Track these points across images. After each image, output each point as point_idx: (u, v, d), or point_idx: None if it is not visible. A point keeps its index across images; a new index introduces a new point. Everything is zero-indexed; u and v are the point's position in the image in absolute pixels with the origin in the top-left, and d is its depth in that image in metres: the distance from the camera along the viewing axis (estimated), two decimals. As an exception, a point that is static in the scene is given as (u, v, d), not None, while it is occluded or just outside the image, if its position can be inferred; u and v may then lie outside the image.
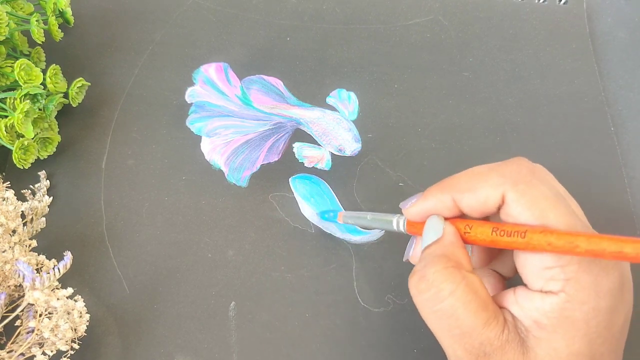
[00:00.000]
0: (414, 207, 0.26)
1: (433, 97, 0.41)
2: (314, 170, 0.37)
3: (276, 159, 0.35)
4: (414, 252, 0.27)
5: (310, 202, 0.36)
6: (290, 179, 0.37)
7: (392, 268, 0.34)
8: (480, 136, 0.39)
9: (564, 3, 0.46)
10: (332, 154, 0.35)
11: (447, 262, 0.23)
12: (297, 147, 0.35)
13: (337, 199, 0.36)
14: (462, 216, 0.25)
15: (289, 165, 0.37)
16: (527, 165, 0.24)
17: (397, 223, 0.28)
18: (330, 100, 0.36)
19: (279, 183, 0.37)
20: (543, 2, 0.46)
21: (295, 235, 0.35)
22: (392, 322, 0.33)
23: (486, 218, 0.25)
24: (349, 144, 0.35)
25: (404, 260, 0.28)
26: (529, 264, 0.22)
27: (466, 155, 0.38)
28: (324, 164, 0.35)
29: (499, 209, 0.23)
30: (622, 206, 0.37)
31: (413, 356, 0.32)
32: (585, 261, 0.21)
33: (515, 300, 0.23)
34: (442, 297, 0.22)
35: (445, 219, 0.25)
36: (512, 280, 0.27)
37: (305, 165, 0.35)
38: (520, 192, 0.22)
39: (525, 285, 0.23)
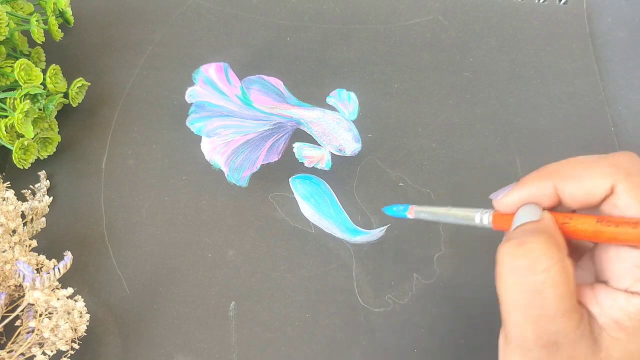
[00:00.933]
0: (509, 197, 0.24)
1: (433, 97, 0.41)
2: (314, 170, 0.37)
3: (276, 159, 0.35)
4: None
5: (310, 202, 0.36)
6: (290, 179, 0.37)
7: (392, 268, 0.35)
8: (480, 136, 0.39)
9: (564, 3, 0.46)
10: (332, 154, 0.35)
11: (549, 238, 0.21)
12: (297, 147, 0.35)
13: (337, 199, 0.36)
14: (557, 208, 0.24)
15: (289, 165, 0.37)
16: (639, 159, 0.22)
17: (482, 218, 0.25)
18: (330, 100, 0.36)
19: (279, 183, 0.37)
20: (543, 2, 0.46)
21: (295, 235, 0.35)
22: (392, 322, 0.33)
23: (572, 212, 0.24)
24: (349, 144, 0.35)
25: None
26: (620, 260, 0.21)
27: (466, 155, 0.38)
28: (324, 164, 0.35)
29: (602, 200, 0.22)
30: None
31: (413, 356, 0.32)
32: None
33: (595, 297, 0.22)
34: (537, 270, 0.21)
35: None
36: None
37: (305, 165, 0.35)
38: (634, 184, 0.21)
39: (605, 282, 0.22)
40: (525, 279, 0.21)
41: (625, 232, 0.21)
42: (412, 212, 0.30)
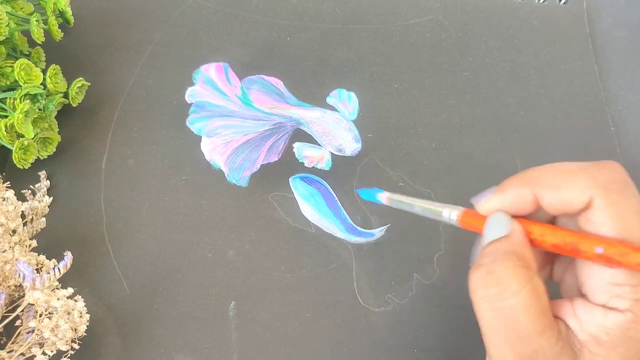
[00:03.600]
0: (489, 203, 0.24)
1: (433, 97, 0.41)
2: (314, 170, 0.37)
3: (276, 159, 0.35)
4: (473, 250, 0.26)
5: (310, 202, 0.36)
6: (290, 179, 0.37)
7: (392, 268, 0.34)
8: (480, 136, 0.39)
9: (564, 3, 0.46)
10: (332, 154, 0.35)
11: (517, 260, 0.22)
12: (297, 147, 0.35)
13: (337, 199, 0.36)
14: (530, 215, 0.24)
15: (289, 165, 0.37)
16: (621, 172, 0.22)
17: (449, 215, 0.26)
18: (330, 100, 0.36)
19: (279, 183, 0.37)
20: (543, 2, 0.46)
21: (295, 235, 0.35)
22: (392, 322, 0.33)
23: (552, 217, 0.24)
24: (349, 144, 0.35)
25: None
26: (595, 277, 0.22)
27: (466, 155, 0.38)
28: (324, 164, 0.35)
29: (580, 211, 0.22)
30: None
31: (413, 356, 0.32)
32: None
33: (573, 312, 0.22)
34: (507, 295, 0.21)
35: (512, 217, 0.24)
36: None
37: (305, 165, 0.35)
38: (611, 201, 0.21)
39: (583, 296, 0.22)
40: (498, 305, 0.22)
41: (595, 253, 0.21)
42: (385, 198, 0.30)
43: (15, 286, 0.31)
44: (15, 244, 0.32)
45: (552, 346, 0.21)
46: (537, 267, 0.26)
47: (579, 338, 0.22)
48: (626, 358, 0.21)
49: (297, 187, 0.36)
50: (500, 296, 0.21)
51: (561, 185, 0.22)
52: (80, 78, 0.39)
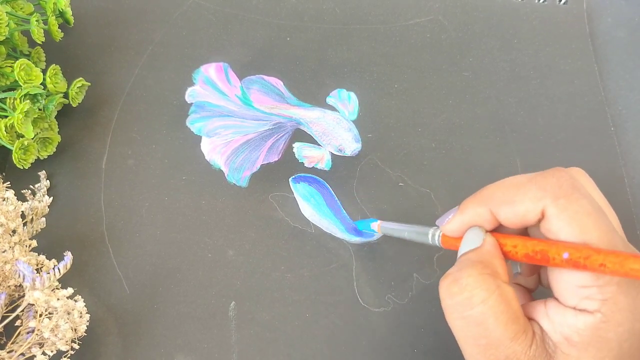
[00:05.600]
0: (451, 223, 0.25)
1: (433, 97, 0.41)
2: (314, 170, 0.37)
3: (276, 159, 0.35)
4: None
5: (310, 202, 0.36)
6: (290, 179, 0.37)
7: (392, 268, 0.34)
8: (480, 136, 0.39)
9: (564, 3, 0.46)
10: (332, 154, 0.35)
11: (483, 269, 0.22)
12: (297, 147, 0.35)
13: (337, 199, 0.36)
14: (500, 228, 0.24)
15: (289, 165, 0.37)
16: (567, 177, 0.23)
17: (433, 236, 0.27)
18: (330, 100, 0.36)
19: (279, 183, 0.37)
20: (543, 2, 0.46)
21: (295, 235, 0.35)
22: (392, 322, 0.33)
23: (525, 229, 0.25)
24: (349, 144, 0.35)
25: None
26: (563, 281, 0.22)
27: (466, 155, 0.38)
28: (324, 164, 0.35)
29: (537, 222, 0.23)
30: (622, 206, 0.37)
31: (413, 356, 0.32)
32: (624, 283, 0.21)
33: (546, 314, 0.22)
34: (474, 303, 0.22)
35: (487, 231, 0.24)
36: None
37: (305, 165, 0.35)
38: (561, 207, 0.21)
39: (556, 299, 0.23)
40: (466, 313, 0.22)
41: (559, 259, 0.21)
42: (377, 227, 0.32)
43: (15, 286, 0.31)
44: (15, 244, 0.32)
45: (526, 350, 0.22)
46: (527, 273, 0.27)
47: (552, 339, 0.22)
48: (598, 357, 0.21)
49: (297, 187, 0.36)
50: (468, 304, 0.22)
51: (514, 200, 0.23)
52: (80, 78, 0.39)
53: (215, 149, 0.35)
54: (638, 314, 0.21)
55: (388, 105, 0.40)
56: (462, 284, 0.22)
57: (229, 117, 0.36)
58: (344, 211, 0.36)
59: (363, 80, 0.41)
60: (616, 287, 0.21)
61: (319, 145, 0.36)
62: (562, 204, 0.22)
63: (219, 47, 0.42)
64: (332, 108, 0.36)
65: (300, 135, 0.36)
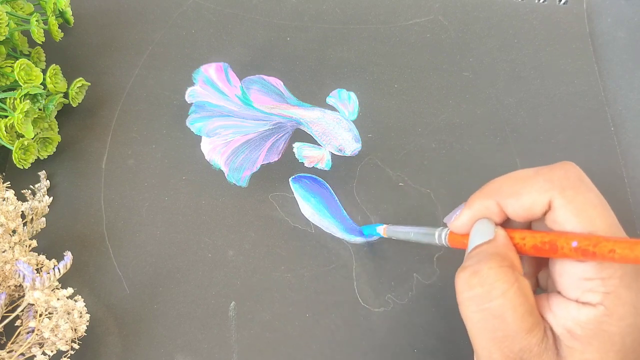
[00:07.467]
0: (460, 219, 0.25)
1: (433, 97, 0.41)
2: (314, 170, 0.37)
3: (276, 159, 0.35)
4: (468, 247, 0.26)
5: (310, 202, 0.36)
6: (290, 179, 0.37)
7: (392, 268, 0.34)
8: (480, 136, 0.39)
9: (564, 3, 0.46)
10: (332, 154, 0.35)
11: (502, 261, 0.22)
12: (297, 147, 0.35)
13: (337, 199, 0.36)
14: (507, 222, 0.24)
15: (289, 165, 0.37)
16: (574, 170, 0.23)
17: (439, 236, 0.27)
18: (330, 100, 0.36)
19: (279, 183, 0.37)
20: (543, 2, 0.46)
21: (295, 235, 0.35)
22: (392, 322, 0.33)
23: (529, 224, 0.25)
24: (349, 144, 0.35)
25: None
26: (567, 273, 0.22)
27: (466, 155, 0.38)
28: (324, 164, 0.35)
29: (544, 214, 0.23)
30: (622, 206, 0.37)
31: (413, 356, 0.32)
32: (627, 276, 0.21)
33: (549, 307, 0.23)
34: (493, 296, 0.22)
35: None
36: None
37: (305, 165, 0.35)
38: (569, 199, 0.22)
39: (558, 292, 0.23)
40: (484, 306, 0.22)
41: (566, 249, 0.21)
42: (382, 230, 0.32)
43: (15, 286, 0.31)
44: (15, 244, 0.32)
45: (538, 343, 0.22)
46: (528, 274, 0.27)
47: (556, 333, 0.22)
48: (601, 352, 0.21)
49: (297, 187, 0.36)
50: (487, 296, 0.22)
51: (520, 192, 0.23)
52: (80, 78, 0.39)
53: (215, 149, 0.35)
54: None
55: (388, 105, 0.40)
56: (482, 276, 0.22)
57: (229, 117, 0.36)
58: (344, 211, 0.36)
59: (363, 80, 0.41)
60: (619, 281, 0.21)
61: (319, 145, 0.36)
62: (569, 195, 0.22)
63: (219, 47, 0.42)
64: (332, 108, 0.36)
65: (300, 135, 0.36)
